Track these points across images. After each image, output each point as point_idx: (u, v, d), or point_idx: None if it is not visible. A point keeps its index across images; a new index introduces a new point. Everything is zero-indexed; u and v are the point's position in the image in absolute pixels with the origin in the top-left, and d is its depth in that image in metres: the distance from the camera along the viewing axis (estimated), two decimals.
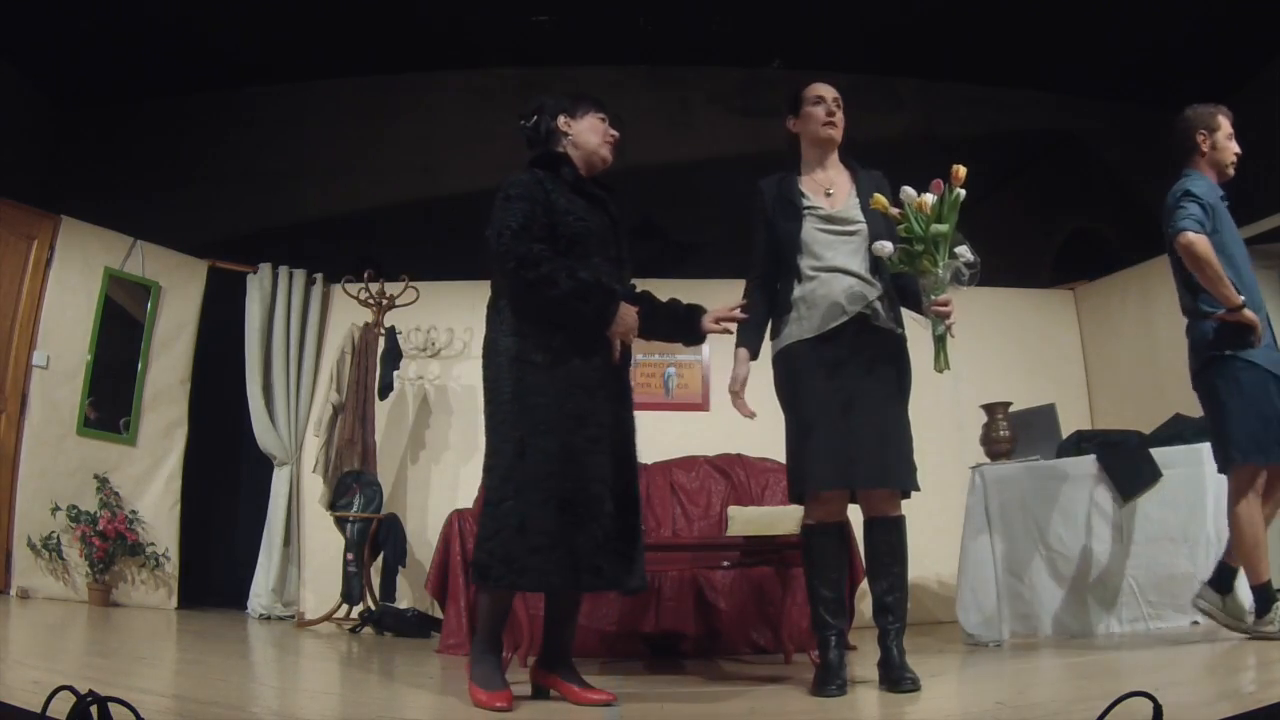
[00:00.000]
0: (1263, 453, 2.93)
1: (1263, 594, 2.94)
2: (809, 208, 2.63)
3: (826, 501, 2.57)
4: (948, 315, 2.46)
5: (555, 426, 2.29)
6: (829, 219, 2.61)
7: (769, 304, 2.69)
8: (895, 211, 2.45)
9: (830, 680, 2.43)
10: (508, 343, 2.37)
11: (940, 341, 2.47)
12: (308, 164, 6.35)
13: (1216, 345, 2.99)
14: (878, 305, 2.57)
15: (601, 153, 2.55)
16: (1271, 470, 2.98)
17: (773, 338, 2.69)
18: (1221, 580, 3.07)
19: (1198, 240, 2.91)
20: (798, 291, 2.60)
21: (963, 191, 2.42)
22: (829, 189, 2.66)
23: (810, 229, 2.60)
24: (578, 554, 2.23)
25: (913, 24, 5.92)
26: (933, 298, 2.46)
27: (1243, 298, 2.93)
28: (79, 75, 5.99)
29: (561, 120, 2.55)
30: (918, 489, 2.56)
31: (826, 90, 2.69)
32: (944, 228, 2.39)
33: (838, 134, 2.69)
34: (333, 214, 6.30)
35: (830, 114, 2.66)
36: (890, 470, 2.51)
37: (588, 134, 2.54)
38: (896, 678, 2.39)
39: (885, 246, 2.46)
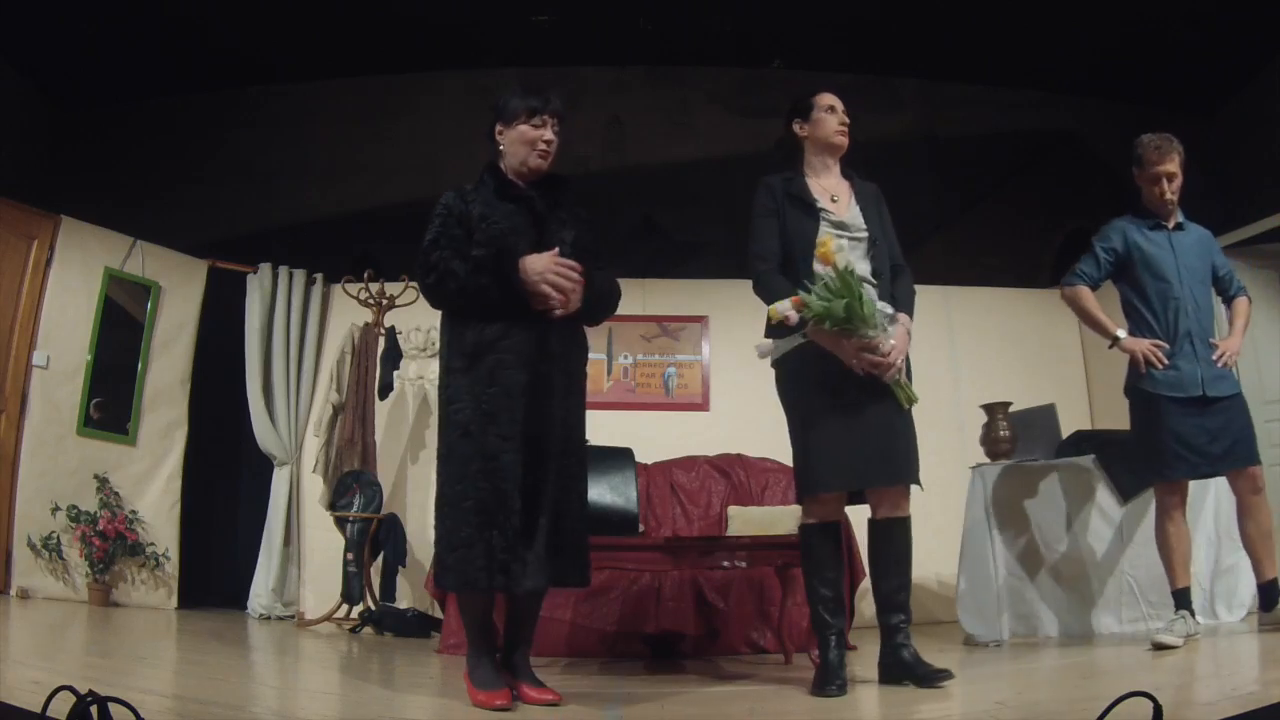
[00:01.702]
0: (1157, 474, 3.23)
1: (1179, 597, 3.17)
2: (822, 210, 2.66)
3: (827, 502, 2.60)
4: (889, 368, 2.49)
5: (472, 429, 2.32)
6: (839, 224, 2.65)
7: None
8: (792, 315, 2.49)
9: (830, 680, 2.44)
10: (443, 352, 2.46)
11: (896, 386, 2.52)
12: (308, 164, 6.35)
13: (1128, 378, 3.32)
14: (884, 309, 2.60)
15: (530, 163, 2.49)
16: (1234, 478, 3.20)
17: (777, 335, 2.68)
18: (1267, 599, 3.11)
19: (1070, 294, 3.43)
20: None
21: (848, 263, 2.52)
22: (834, 195, 2.71)
23: (825, 232, 2.62)
24: (492, 554, 2.26)
25: (913, 24, 5.92)
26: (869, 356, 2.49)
27: (1121, 331, 3.29)
28: (79, 76, 5.99)
29: (497, 129, 2.53)
30: (919, 485, 2.60)
31: (837, 101, 2.77)
32: (843, 303, 2.44)
33: (848, 142, 2.76)
34: (333, 214, 6.30)
35: (844, 123, 2.75)
36: (899, 469, 2.56)
37: (515, 145, 2.49)
38: (925, 673, 2.42)
39: (764, 346, 2.59)
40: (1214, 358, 3.17)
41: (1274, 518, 3.21)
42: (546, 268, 2.34)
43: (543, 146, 2.48)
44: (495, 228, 2.41)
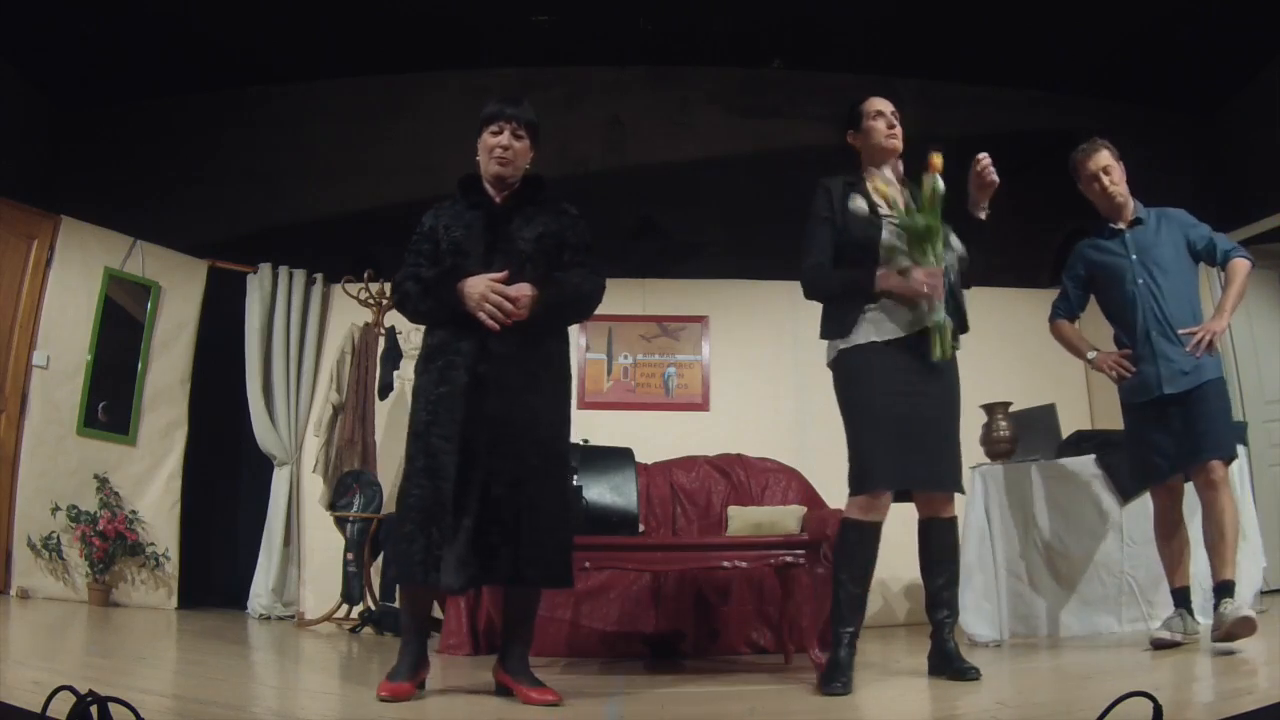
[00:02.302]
0: (1140, 479, 3.28)
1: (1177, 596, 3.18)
2: (885, 216, 2.68)
3: (880, 498, 2.62)
4: (937, 286, 2.53)
5: (420, 429, 2.44)
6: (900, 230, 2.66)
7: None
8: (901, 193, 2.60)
9: (837, 677, 2.46)
10: None
11: (938, 329, 2.56)
12: (308, 164, 6.33)
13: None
14: (955, 245, 2.69)
15: (491, 169, 2.55)
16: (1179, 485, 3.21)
17: (834, 337, 2.71)
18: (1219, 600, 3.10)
19: (1052, 331, 3.51)
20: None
21: (940, 182, 2.59)
22: (892, 201, 2.72)
23: (890, 237, 2.65)
24: (429, 550, 2.33)
25: (913, 24, 5.92)
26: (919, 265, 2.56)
27: (1092, 353, 3.31)
28: (78, 76, 5.98)
29: (478, 140, 2.60)
30: (963, 492, 2.71)
31: (885, 105, 2.82)
32: (925, 222, 2.55)
33: (900, 144, 2.79)
34: (333, 214, 6.28)
35: (891, 126, 2.78)
36: (945, 475, 2.64)
37: (481, 154, 2.58)
38: (962, 667, 2.53)
39: (861, 204, 2.60)
40: (1189, 347, 3.07)
41: (1274, 517, 3.20)
42: (483, 294, 2.39)
43: (499, 153, 2.54)
44: (451, 236, 2.51)
